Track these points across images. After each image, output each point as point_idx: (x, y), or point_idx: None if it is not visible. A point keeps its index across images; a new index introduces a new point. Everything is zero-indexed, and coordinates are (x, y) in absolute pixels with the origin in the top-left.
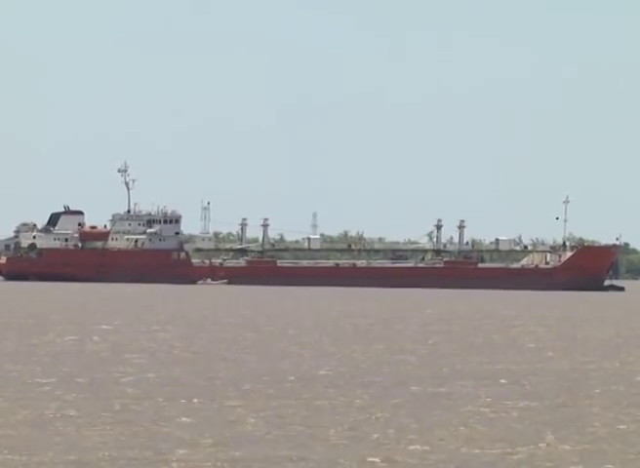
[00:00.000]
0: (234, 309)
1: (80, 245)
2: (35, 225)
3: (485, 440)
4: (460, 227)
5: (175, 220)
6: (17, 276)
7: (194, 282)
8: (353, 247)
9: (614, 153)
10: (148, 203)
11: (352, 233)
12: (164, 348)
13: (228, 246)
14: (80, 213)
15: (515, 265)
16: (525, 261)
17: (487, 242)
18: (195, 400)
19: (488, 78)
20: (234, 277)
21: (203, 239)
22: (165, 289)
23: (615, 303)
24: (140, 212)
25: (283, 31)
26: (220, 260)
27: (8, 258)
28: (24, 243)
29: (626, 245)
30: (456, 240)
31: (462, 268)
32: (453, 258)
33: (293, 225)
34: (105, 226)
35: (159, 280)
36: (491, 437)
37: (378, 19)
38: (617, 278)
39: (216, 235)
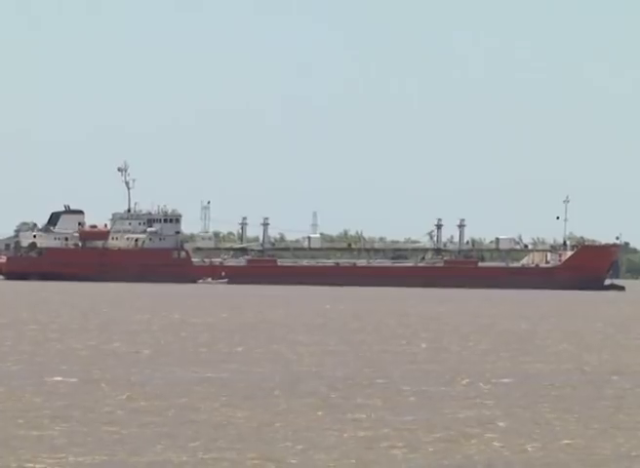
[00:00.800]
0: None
1: (80, 244)
2: (35, 225)
3: None
4: (461, 226)
5: (175, 220)
6: (17, 275)
7: (194, 281)
8: (353, 246)
9: (614, 152)
10: (148, 202)
11: (352, 232)
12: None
13: (228, 245)
14: (80, 212)
15: (515, 264)
16: (525, 261)
17: (487, 241)
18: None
19: (488, 77)
20: (234, 276)
21: (203, 238)
22: (164, 288)
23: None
24: (141, 211)
25: (282, 30)
26: (220, 260)
27: (8, 258)
28: (25, 242)
29: (627, 244)
30: (456, 239)
31: (463, 267)
32: (453, 258)
33: (293, 224)
34: (106, 225)
35: (159, 279)
36: None
37: (373, 20)
38: (617, 277)
39: (216, 234)
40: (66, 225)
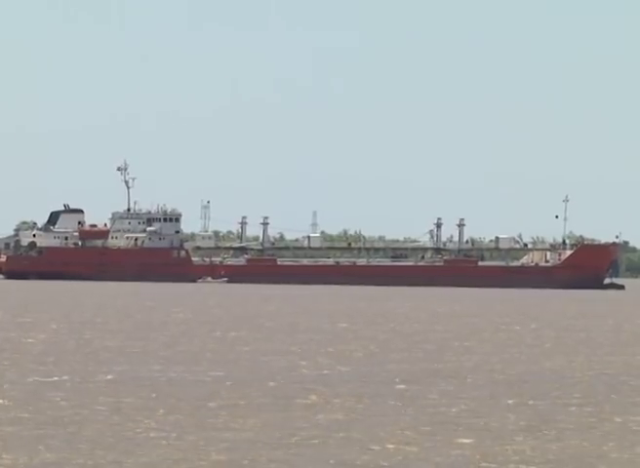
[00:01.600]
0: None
1: (80, 243)
2: (35, 224)
3: None
4: (460, 225)
5: (175, 219)
6: (16, 275)
7: (194, 280)
8: (353, 245)
9: (613, 152)
10: (148, 201)
11: (352, 231)
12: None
13: (228, 244)
14: (80, 211)
15: (515, 263)
16: (525, 260)
17: (487, 240)
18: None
19: (488, 76)
20: (234, 275)
21: (203, 237)
22: (164, 288)
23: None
24: (140, 210)
25: (281, 30)
26: (219, 259)
27: (8, 257)
28: (24, 241)
29: (626, 243)
30: (456, 238)
31: (462, 267)
32: (453, 257)
33: (293, 224)
34: (105, 225)
35: (159, 278)
36: None
37: (376, 17)
38: (616, 276)
39: (216, 233)
40: (66, 224)
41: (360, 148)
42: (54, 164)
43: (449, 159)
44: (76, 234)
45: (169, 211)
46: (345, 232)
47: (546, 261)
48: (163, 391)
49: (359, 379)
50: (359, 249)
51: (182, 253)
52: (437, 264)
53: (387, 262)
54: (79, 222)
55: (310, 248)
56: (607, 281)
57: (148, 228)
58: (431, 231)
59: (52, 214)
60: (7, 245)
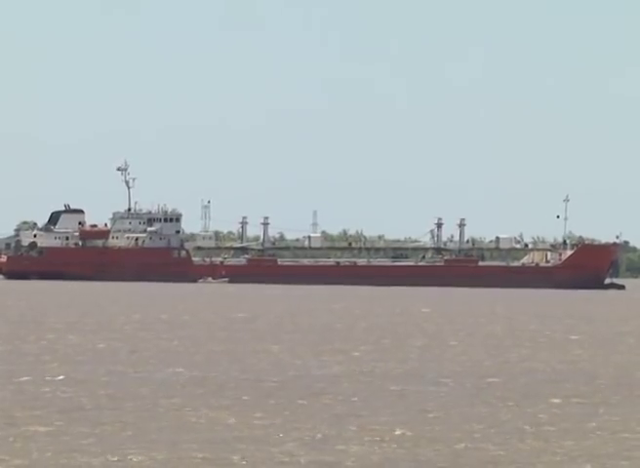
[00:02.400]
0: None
1: (80, 243)
2: (36, 224)
3: None
4: (461, 225)
5: (175, 219)
6: (17, 275)
7: (195, 280)
8: (354, 245)
9: (614, 152)
10: (149, 201)
11: (353, 231)
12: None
13: (229, 244)
14: (80, 211)
15: (516, 263)
16: (525, 260)
17: (487, 240)
18: None
19: (487, 76)
20: (235, 275)
21: (203, 237)
22: (164, 288)
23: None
24: (141, 210)
25: (281, 30)
26: (220, 259)
27: (8, 257)
28: (25, 241)
29: (626, 243)
30: (456, 238)
31: (463, 266)
32: (453, 257)
33: (293, 224)
34: (106, 225)
35: (159, 278)
36: None
37: (369, 19)
38: (617, 276)
39: (216, 233)
40: (67, 225)
41: (360, 148)
42: (54, 164)
43: (449, 159)
44: (77, 234)
45: (169, 211)
46: (346, 232)
47: (547, 261)
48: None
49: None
50: (360, 249)
51: (183, 253)
52: (438, 264)
53: (388, 262)
54: (80, 222)
55: (311, 248)
56: (607, 281)
57: (149, 228)
58: (432, 231)
59: (52, 214)
60: (7, 245)
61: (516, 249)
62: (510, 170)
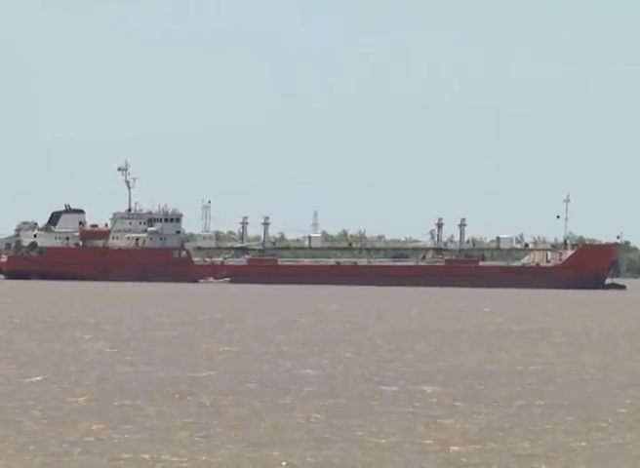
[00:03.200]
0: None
1: (81, 243)
2: (36, 224)
3: None
4: (461, 226)
5: (176, 219)
6: (17, 275)
7: (195, 280)
8: (354, 245)
9: (614, 152)
10: (149, 201)
11: (353, 231)
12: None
13: (229, 244)
14: (81, 211)
15: (516, 264)
16: (526, 260)
17: (488, 240)
18: None
19: (488, 77)
20: (235, 275)
21: (204, 237)
22: (165, 288)
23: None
24: (141, 210)
25: (282, 31)
26: (220, 259)
27: (9, 257)
28: (25, 241)
29: (627, 243)
30: (457, 238)
31: (463, 267)
32: (454, 257)
33: (293, 224)
34: (106, 225)
35: (160, 278)
36: None
37: (369, 18)
38: (617, 276)
39: (216, 234)
40: (67, 225)
41: (361, 148)
42: (55, 164)
43: (450, 159)
44: (77, 234)
45: (170, 211)
46: (346, 232)
47: (547, 262)
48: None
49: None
50: (360, 249)
51: (183, 253)
52: (438, 264)
53: (388, 262)
54: (80, 223)
55: (311, 248)
56: (608, 281)
57: (149, 228)
58: (432, 231)
59: (53, 214)
60: (8, 245)
61: (517, 249)
62: (511, 170)
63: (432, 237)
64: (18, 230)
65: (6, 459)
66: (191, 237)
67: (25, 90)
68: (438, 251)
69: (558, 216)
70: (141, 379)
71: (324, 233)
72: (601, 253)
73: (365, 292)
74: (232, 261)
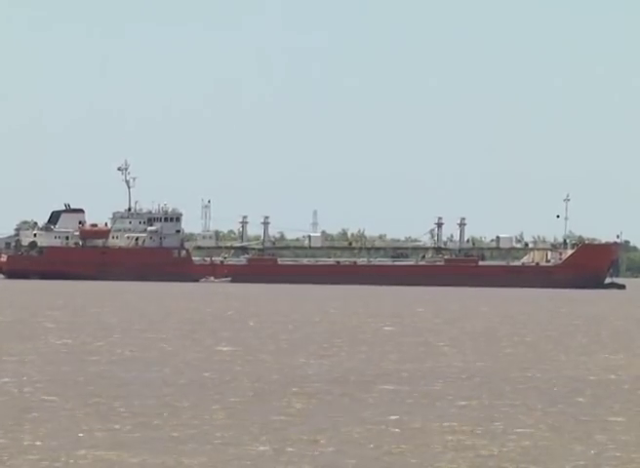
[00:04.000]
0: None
1: (81, 243)
2: (36, 223)
3: None
4: (461, 225)
5: (175, 218)
6: (17, 274)
7: (195, 280)
8: (354, 245)
9: (614, 151)
10: (149, 201)
11: (353, 231)
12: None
13: (229, 244)
14: (81, 211)
15: (516, 263)
16: (526, 259)
17: (488, 240)
18: None
19: (488, 75)
20: (235, 275)
21: (204, 237)
22: (165, 287)
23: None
24: (141, 210)
25: (277, 24)
26: (220, 258)
27: (8, 257)
28: (25, 241)
29: (627, 243)
30: (456, 238)
31: (463, 266)
32: (453, 256)
33: (293, 223)
34: (106, 224)
35: (160, 278)
36: None
37: (375, 18)
38: (617, 276)
39: (216, 233)
40: (67, 224)
41: (361, 147)
42: (54, 163)
43: (450, 158)
44: (77, 234)
45: (170, 210)
46: (346, 232)
47: (547, 261)
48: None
49: None
50: (360, 248)
51: (183, 252)
52: (438, 264)
53: (388, 262)
54: (80, 222)
55: (311, 247)
56: (608, 280)
57: (149, 228)
58: (432, 231)
59: (52, 213)
60: (8, 244)
61: (516, 248)
62: (511, 169)
63: (432, 236)
64: (17, 230)
65: None
66: (191, 236)
67: (25, 89)
68: (438, 250)
69: (558, 216)
70: None
71: (324, 232)
72: (601, 253)
73: (364, 291)
74: (232, 261)
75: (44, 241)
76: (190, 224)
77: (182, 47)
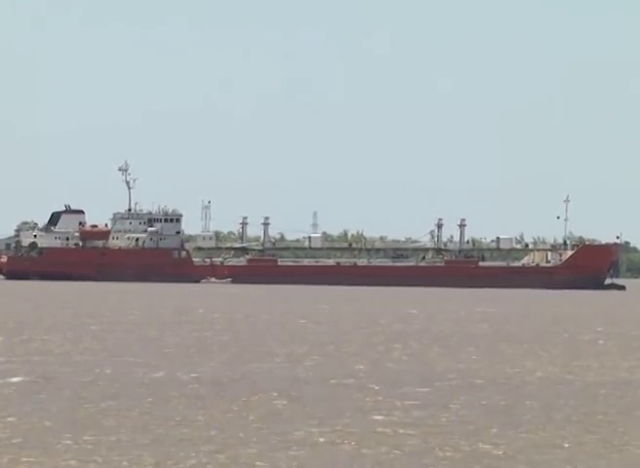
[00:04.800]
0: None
1: (81, 244)
2: (36, 224)
3: None
4: (461, 226)
5: (175, 219)
6: (17, 275)
7: (195, 281)
8: (354, 245)
9: (614, 152)
10: (149, 202)
11: (353, 232)
12: None
13: (229, 244)
14: (81, 212)
15: (516, 264)
16: (526, 260)
17: (488, 240)
18: None
19: (488, 76)
20: (235, 276)
21: (204, 238)
22: (166, 288)
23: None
24: (141, 210)
25: (277, 29)
26: (220, 259)
27: (9, 257)
28: (25, 242)
29: (627, 243)
30: (456, 239)
31: (463, 267)
32: (453, 257)
33: (293, 224)
34: (106, 225)
35: (160, 279)
36: None
37: (375, 20)
38: (617, 277)
39: (216, 234)
40: (67, 225)
41: (361, 148)
42: (55, 164)
43: (450, 159)
44: (77, 234)
45: (170, 211)
46: (346, 232)
47: (547, 262)
48: None
49: None
50: (360, 249)
51: (183, 253)
52: (438, 265)
53: (388, 263)
54: (80, 223)
55: (311, 248)
56: (608, 281)
57: (149, 229)
58: (432, 231)
59: (53, 214)
60: (8, 245)
61: (516, 249)
62: (511, 170)
63: (432, 237)
64: (18, 230)
65: None
66: (191, 237)
67: (25, 89)
68: (438, 251)
69: (558, 217)
70: None
71: (324, 233)
72: (601, 254)
73: (364, 292)
74: (232, 262)
75: (44, 242)
76: (190, 225)
77: (182, 47)
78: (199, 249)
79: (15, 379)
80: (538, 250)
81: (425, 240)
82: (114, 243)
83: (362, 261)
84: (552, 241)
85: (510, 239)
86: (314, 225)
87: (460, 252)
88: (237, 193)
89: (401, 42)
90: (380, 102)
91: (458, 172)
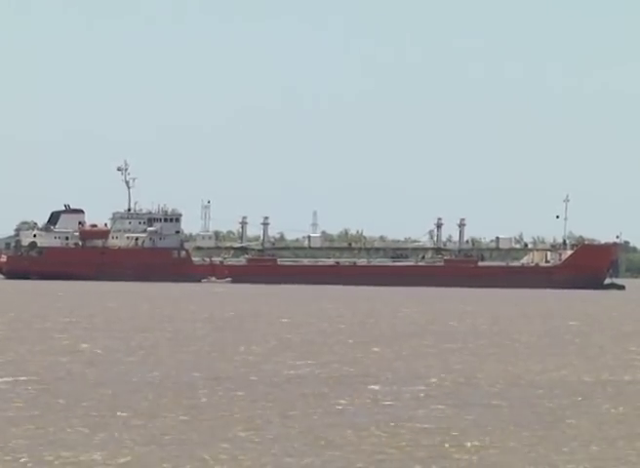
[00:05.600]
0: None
1: (80, 243)
2: (36, 224)
3: None
4: (461, 226)
5: (175, 219)
6: (17, 275)
7: (195, 280)
8: (354, 245)
9: (614, 152)
10: (149, 201)
11: (353, 231)
12: None
13: (229, 244)
14: (80, 211)
15: (515, 264)
16: (525, 260)
17: (487, 240)
18: None
19: (488, 77)
20: (234, 275)
21: (203, 237)
22: (167, 288)
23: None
24: (141, 210)
25: (285, 30)
26: (220, 259)
27: (8, 257)
28: (25, 241)
29: (626, 243)
30: (456, 238)
31: (463, 267)
32: (453, 257)
33: (293, 224)
34: (106, 225)
35: (159, 278)
36: None
37: (375, 22)
38: (617, 276)
39: (216, 233)
40: (67, 224)
41: (360, 148)
42: (54, 164)
43: (449, 159)
44: (77, 234)
45: (169, 211)
46: (346, 232)
47: (547, 262)
48: None
49: None
50: (359, 249)
51: (183, 253)
52: (437, 264)
53: (388, 262)
54: (80, 222)
55: (311, 248)
56: (607, 281)
57: (149, 228)
58: (431, 231)
59: (52, 214)
60: (7, 245)
61: (516, 249)
62: (510, 170)
63: (431, 237)
64: (17, 230)
65: None
66: (191, 237)
67: (25, 89)
68: (437, 251)
69: (557, 216)
70: None
71: (323, 233)
72: (600, 254)
73: (363, 292)
74: (232, 261)
75: (44, 241)
76: (190, 225)
77: (182, 47)
78: (199, 248)
79: None
80: (537, 249)
81: (425, 240)
82: (114, 242)
83: (362, 261)
84: (552, 241)
85: (510, 239)
86: (314, 225)
87: (459, 251)
88: (237, 193)
89: (401, 44)
90: (379, 102)
91: (457, 172)
